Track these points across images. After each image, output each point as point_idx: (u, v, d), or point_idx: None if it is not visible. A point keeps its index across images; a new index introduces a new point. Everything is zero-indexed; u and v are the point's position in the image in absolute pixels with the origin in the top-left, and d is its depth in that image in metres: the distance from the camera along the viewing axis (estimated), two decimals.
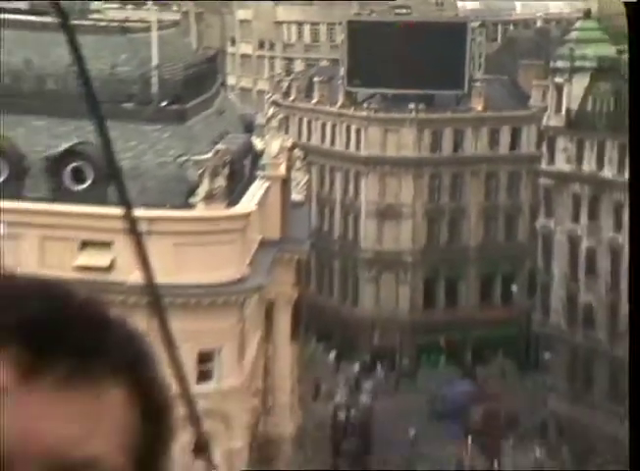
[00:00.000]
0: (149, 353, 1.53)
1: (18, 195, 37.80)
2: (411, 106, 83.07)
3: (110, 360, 1.47)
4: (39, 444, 1.39)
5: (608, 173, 74.17)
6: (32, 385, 1.40)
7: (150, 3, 50.30)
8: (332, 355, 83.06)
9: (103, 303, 1.53)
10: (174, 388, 2.21)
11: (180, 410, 1.85)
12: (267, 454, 48.63)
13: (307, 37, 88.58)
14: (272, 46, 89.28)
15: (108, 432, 1.45)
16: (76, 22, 39.45)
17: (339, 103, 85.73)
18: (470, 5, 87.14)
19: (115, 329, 1.50)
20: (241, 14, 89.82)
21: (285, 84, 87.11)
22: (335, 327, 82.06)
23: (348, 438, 75.69)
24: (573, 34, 79.90)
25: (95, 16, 46.67)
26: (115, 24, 45.78)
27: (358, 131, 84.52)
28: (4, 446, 1.38)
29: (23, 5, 47.34)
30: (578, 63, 76.69)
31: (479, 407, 78.87)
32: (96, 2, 55.81)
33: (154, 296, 2.39)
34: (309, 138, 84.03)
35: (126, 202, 2.60)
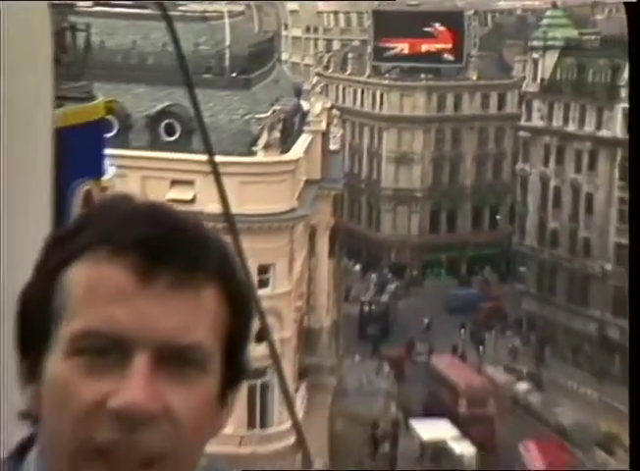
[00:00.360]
0: (234, 262, 1.57)
1: (125, 145, 38.65)
2: (422, 76, 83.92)
3: (207, 267, 1.50)
4: (154, 333, 1.44)
5: (571, 127, 74.71)
6: (148, 287, 1.44)
7: None
8: (358, 267, 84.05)
9: (200, 222, 1.57)
10: None
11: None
12: (309, 342, 49.45)
13: (342, 23, 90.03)
14: (315, 30, 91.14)
15: (206, 323, 1.49)
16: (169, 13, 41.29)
17: (366, 74, 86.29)
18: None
19: (210, 242, 1.54)
20: (290, 5, 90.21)
21: (325, 60, 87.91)
22: (361, 247, 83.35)
23: (372, 324, 76.28)
24: (545, 21, 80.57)
25: (182, 7, 48.19)
26: (197, 13, 47.52)
27: (381, 96, 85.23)
28: (127, 334, 1.43)
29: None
30: (549, 43, 77.28)
31: (486, 305, 79.00)
32: None
33: (229, 221, 2.34)
34: (344, 101, 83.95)
35: (209, 149, 2.58)
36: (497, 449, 57.61)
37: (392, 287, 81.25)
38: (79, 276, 1.42)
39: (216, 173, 2.41)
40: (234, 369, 1.52)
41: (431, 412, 61.83)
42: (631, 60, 1.78)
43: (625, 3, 1.85)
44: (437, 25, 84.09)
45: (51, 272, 1.44)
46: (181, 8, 53.79)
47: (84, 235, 1.43)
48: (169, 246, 1.42)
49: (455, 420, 59.04)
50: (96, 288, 1.40)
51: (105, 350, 1.39)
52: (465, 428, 57.97)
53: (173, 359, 1.41)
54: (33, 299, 1.46)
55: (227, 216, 2.45)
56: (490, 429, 58.72)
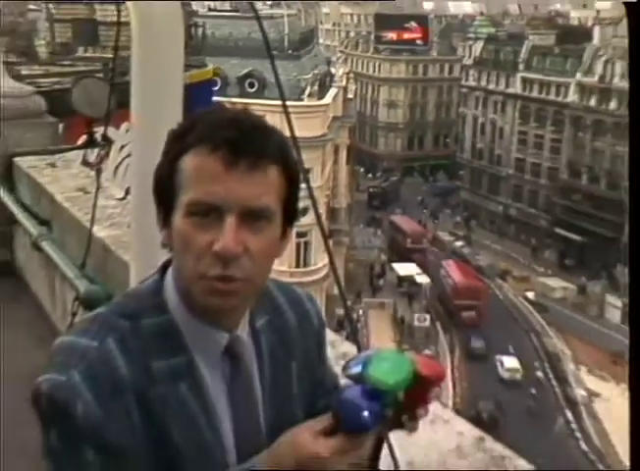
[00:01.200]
0: (290, 151, 1.43)
1: (224, 95, 35.58)
2: (404, 54, 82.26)
3: (272, 155, 1.37)
4: (238, 200, 1.35)
5: (491, 86, 72.92)
6: (233, 171, 1.34)
7: (283, 3, 49.76)
8: (363, 170, 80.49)
9: (268, 124, 1.43)
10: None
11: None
12: (333, 216, 47.72)
13: (355, 20, 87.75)
14: (339, 25, 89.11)
15: (272, 192, 1.38)
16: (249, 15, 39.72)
17: (370, 51, 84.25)
18: (428, 5, 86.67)
19: (274, 137, 1.40)
20: (324, 10, 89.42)
21: (345, 43, 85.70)
22: (365, 158, 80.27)
23: (377, 200, 74.90)
24: (475, 22, 79.23)
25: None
26: (268, 15, 44.46)
27: (379, 65, 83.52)
28: (220, 203, 1.34)
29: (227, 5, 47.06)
30: (478, 35, 75.96)
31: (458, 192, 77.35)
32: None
33: (293, 141, 1.77)
34: (357, 68, 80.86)
35: (282, 96, 2.52)
36: (428, 267, 57.97)
37: (386, 182, 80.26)
38: (189, 164, 1.37)
39: (286, 111, 2.14)
40: (289, 219, 1.45)
41: (392, 248, 62.83)
42: (631, 60, 1.25)
43: (625, 3, 1.31)
44: (412, 22, 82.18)
45: (172, 160, 1.39)
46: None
47: (192, 136, 1.38)
48: (246, 143, 1.35)
49: (404, 252, 59.97)
50: (200, 173, 1.35)
51: (207, 213, 1.35)
52: (410, 256, 59.14)
53: (251, 217, 1.37)
54: (162, 176, 1.41)
55: (291, 137, 1.83)
56: (424, 255, 59.95)
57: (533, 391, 43.62)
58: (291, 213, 1.46)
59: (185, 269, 1.40)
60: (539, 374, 46.41)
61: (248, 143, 1.37)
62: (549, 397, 44.29)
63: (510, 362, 45.52)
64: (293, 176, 1.44)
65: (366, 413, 1.31)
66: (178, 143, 1.41)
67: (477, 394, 42.60)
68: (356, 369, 1.37)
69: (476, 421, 33.76)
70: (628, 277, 1.16)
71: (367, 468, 1.50)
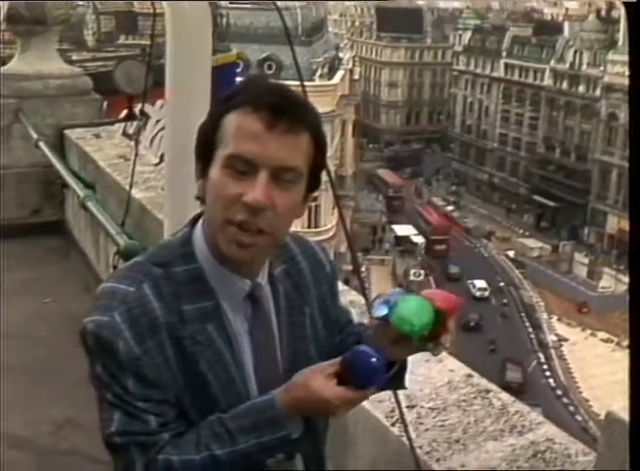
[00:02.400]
0: (321, 122, 1.41)
1: (245, 75, 33.93)
2: (403, 41, 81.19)
3: (305, 123, 1.35)
4: (271, 159, 1.31)
5: (478, 70, 72.29)
6: (270, 132, 1.31)
7: None
8: (366, 140, 77.39)
9: (303, 97, 1.45)
10: None
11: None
12: (341, 183, 45.88)
13: (359, 11, 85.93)
14: (345, 15, 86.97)
15: (301, 155, 1.35)
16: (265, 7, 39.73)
17: (373, 38, 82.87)
18: (421, 1, 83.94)
19: (308, 108, 1.39)
20: (331, 2, 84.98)
21: (351, 31, 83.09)
22: (369, 131, 78.29)
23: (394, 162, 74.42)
24: (464, 14, 78.03)
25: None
26: (282, 7, 44.51)
27: (382, 51, 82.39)
28: (255, 159, 1.32)
29: None
30: (466, 26, 75.54)
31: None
32: None
33: None
34: (362, 53, 79.44)
35: (300, 77, 2.42)
36: (405, 212, 60.93)
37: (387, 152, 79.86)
38: (232, 122, 1.35)
39: (304, 91, 1.92)
40: (313, 183, 1.42)
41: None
42: (631, 60, 1.10)
43: (625, 3, 1.14)
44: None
45: (216, 117, 1.37)
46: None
47: (237, 98, 1.35)
48: (286, 108, 1.32)
49: (387, 200, 62.36)
50: (241, 130, 1.33)
51: (242, 167, 1.33)
52: (391, 203, 62.21)
53: (280, 176, 1.33)
54: (206, 132, 1.39)
55: None
56: (402, 201, 62.54)
57: (504, 300, 48.33)
58: (314, 180, 1.44)
59: (214, 216, 1.38)
60: (505, 290, 50.11)
61: (288, 108, 1.35)
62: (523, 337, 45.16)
63: (480, 283, 49.11)
64: (321, 145, 1.42)
65: (371, 372, 1.31)
66: (224, 104, 1.39)
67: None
68: (383, 311, 1.36)
69: (466, 328, 40.71)
70: (628, 277, 1.11)
71: (397, 388, 1.59)
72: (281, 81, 1.46)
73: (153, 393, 1.36)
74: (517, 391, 32.50)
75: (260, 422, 1.36)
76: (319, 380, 1.35)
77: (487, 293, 48.67)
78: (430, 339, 1.36)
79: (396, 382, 1.50)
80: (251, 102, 1.35)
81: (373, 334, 1.41)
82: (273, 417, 1.36)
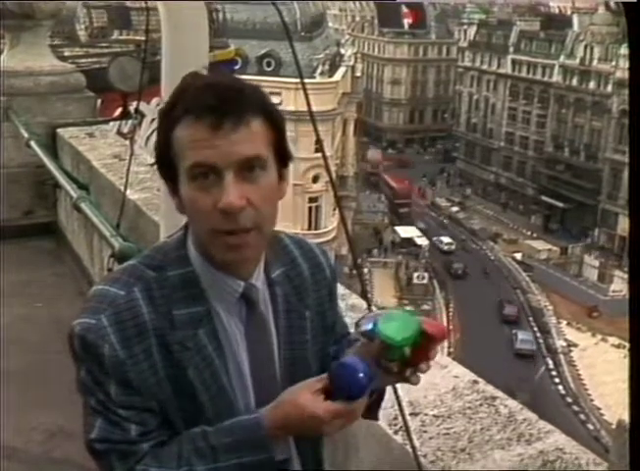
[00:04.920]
0: (270, 102, 1.38)
1: (244, 73, 33.89)
2: (405, 36, 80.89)
3: (252, 109, 1.34)
4: (230, 156, 1.32)
5: (484, 67, 71.98)
6: (219, 132, 1.31)
7: None
8: (367, 139, 75.74)
9: (243, 81, 1.40)
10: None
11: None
12: (342, 183, 46.45)
13: (359, 5, 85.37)
14: (346, 10, 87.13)
15: (259, 141, 1.35)
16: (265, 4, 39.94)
17: (375, 34, 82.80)
18: None
19: (252, 92, 1.36)
20: None
21: (352, 26, 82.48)
22: (371, 130, 79.09)
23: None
24: (468, 9, 77.76)
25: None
26: (280, 1, 43.98)
27: (384, 47, 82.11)
28: (215, 161, 1.32)
29: None
30: (471, 21, 75.36)
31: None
32: None
33: (309, 114, 2.07)
34: (364, 49, 79.07)
35: (300, 74, 2.23)
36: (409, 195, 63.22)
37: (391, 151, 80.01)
38: (180, 134, 1.35)
39: (304, 88, 2.10)
40: (282, 160, 1.41)
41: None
42: (631, 59, 1.09)
43: (625, 3, 1.12)
44: (411, 9, 79.49)
45: (166, 134, 1.37)
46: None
47: (177, 109, 1.35)
48: (225, 105, 1.32)
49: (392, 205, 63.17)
50: (191, 140, 1.33)
51: (207, 175, 1.33)
52: (396, 209, 62.36)
53: (246, 170, 1.34)
54: (161, 151, 1.39)
55: (308, 111, 1.99)
56: (409, 207, 63.03)
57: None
58: (283, 156, 1.43)
59: (198, 229, 1.41)
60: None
61: (227, 105, 1.34)
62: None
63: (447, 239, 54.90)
64: (276, 123, 1.41)
65: (358, 384, 1.33)
66: (167, 118, 1.39)
67: None
68: (367, 326, 1.38)
69: None
70: (628, 277, 1.11)
71: (369, 418, 1.53)
72: (219, 72, 1.49)
73: (136, 401, 1.37)
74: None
75: (243, 442, 1.37)
76: (307, 395, 1.36)
77: (453, 247, 55.61)
78: (411, 362, 1.38)
79: (369, 412, 1.49)
80: (190, 110, 1.35)
81: (356, 351, 1.41)
82: (257, 438, 1.37)
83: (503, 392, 2.51)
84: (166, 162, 1.40)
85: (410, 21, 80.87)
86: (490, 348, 40.26)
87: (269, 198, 1.40)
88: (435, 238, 56.50)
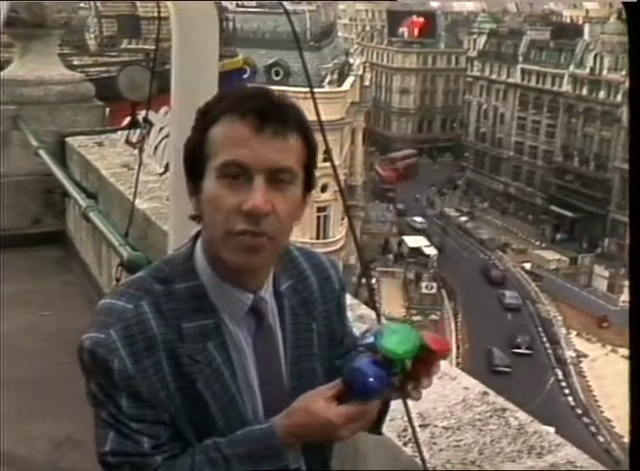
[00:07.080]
0: (308, 122, 1.40)
1: (252, 82, 30.51)
2: (414, 46, 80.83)
3: (293, 124, 1.36)
4: (265, 162, 1.33)
5: (493, 76, 72.07)
6: (259, 136, 1.33)
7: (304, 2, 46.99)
8: (374, 148, 74.01)
9: (289, 98, 1.41)
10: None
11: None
12: (350, 192, 46.78)
13: (370, 16, 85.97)
14: (355, 19, 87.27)
15: (293, 156, 1.36)
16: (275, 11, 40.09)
17: (384, 44, 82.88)
18: (434, 4, 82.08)
19: (294, 110, 1.38)
20: (341, 6, 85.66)
21: (361, 36, 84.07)
22: (380, 139, 78.68)
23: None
24: (479, 18, 78.14)
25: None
26: (291, 10, 44.39)
27: (393, 56, 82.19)
28: (249, 164, 1.34)
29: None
30: (481, 30, 75.62)
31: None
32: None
33: (318, 123, 1.98)
34: (372, 58, 79.59)
35: (310, 83, 2.49)
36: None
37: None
38: (219, 132, 1.36)
39: (313, 97, 2.06)
40: (309, 182, 1.43)
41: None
42: (631, 59, 1.07)
43: (625, 3, 1.11)
44: (421, 18, 80.00)
45: (202, 131, 1.38)
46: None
47: (220, 107, 1.38)
48: (272, 111, 1.35)
49: (379, 190, 67.12)
50: (230, 138, 1.35)
51: (237, 175, 1.34)
52: (384, 193, 66.17)
53: (276, 178, 1.35)
54: (194, 147, 1.40)
55: (317, 121, 1.78)
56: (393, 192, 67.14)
57: None
58: (310, 179, 1.45)
59: (214, 229, 1.39)
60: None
61: (274, 111, 1.36)
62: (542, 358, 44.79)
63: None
64: (311, 145, 1.43)
65: (372, 379, 1.33)
66: (206, 116, 1.40)
67: None
68: (370, 339, 1.39)
69: None
70: (628, 277, 1.11)
71: (372, 432, 1.53)
72: (261, 85, 1.50)
73: (147, 414, 1.38)
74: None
75: (258, 451, 1.37)
76: (319, 402, 1.36)
77: (425, 226, 61.67)
78: (412, 375, 1.39)
79: (372, 425, 1.48)
80: (236, 108, 1.37)
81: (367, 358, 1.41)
82: (271, 447, 1.37)
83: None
84: (196, 158, 1.40)
85: (417, 30, 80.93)
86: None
87: (291, 212, 1.40)
88: (409, 218, 62.55)
